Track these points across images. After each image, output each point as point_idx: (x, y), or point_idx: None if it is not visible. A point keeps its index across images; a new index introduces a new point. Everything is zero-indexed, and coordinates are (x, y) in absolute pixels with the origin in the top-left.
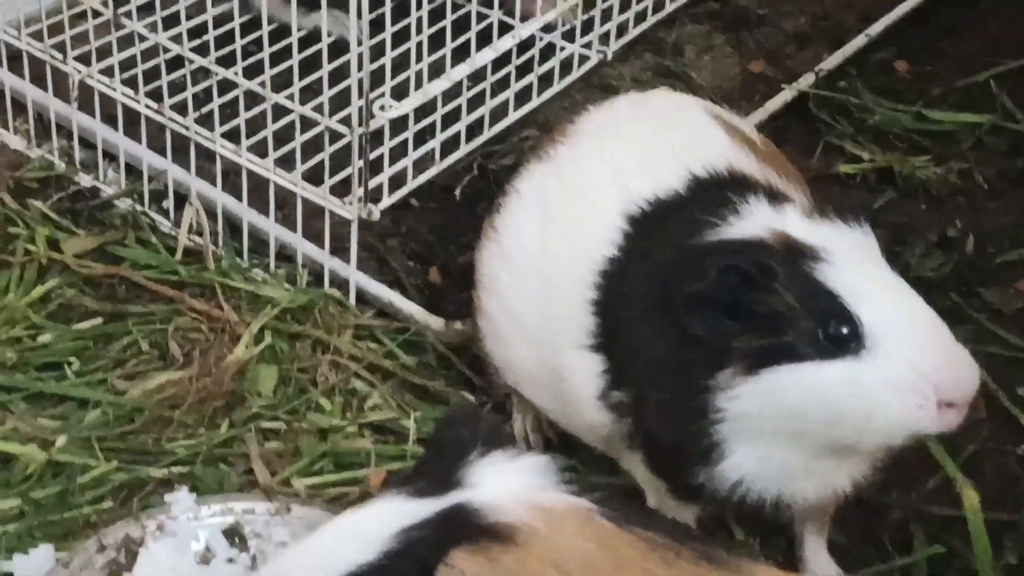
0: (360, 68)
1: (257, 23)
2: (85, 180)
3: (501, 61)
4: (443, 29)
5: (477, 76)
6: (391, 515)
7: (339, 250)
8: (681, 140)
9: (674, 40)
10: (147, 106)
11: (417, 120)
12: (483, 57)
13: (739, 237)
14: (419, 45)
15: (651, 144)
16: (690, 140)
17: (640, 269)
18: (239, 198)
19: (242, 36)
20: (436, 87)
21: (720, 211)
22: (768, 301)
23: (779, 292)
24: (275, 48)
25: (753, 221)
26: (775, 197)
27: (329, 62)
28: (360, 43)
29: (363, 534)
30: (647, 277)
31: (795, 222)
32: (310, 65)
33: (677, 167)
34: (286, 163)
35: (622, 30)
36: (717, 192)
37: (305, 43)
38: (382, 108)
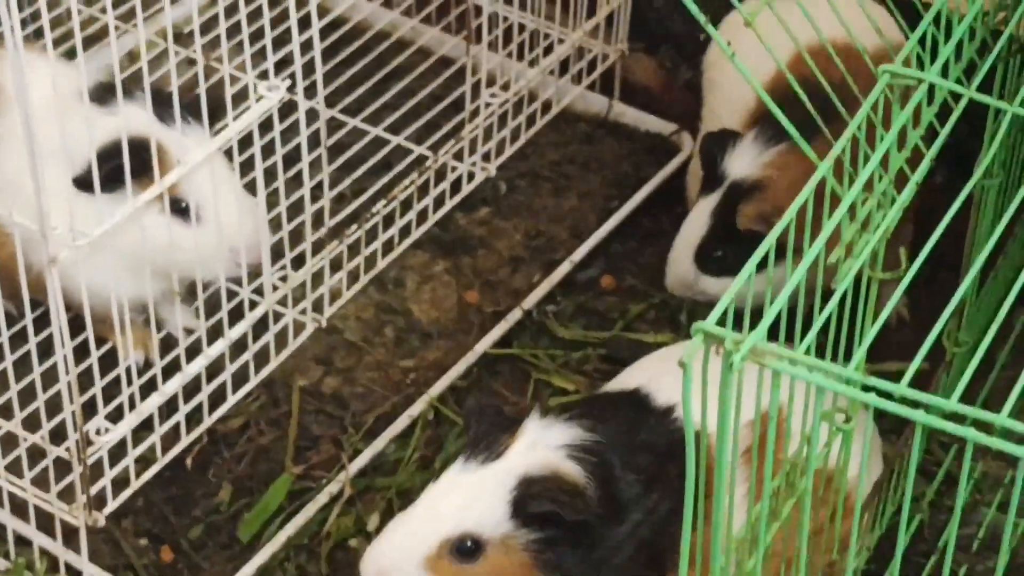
0: (72, 401)
1: None
2: None
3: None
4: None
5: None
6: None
7: (75, 533)
8: None
9: (395, 274)
10: None
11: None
12: (193, 368)
13: None
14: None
15: None
16: None
17: None
18: None
19: None
20: (151, 404)
21: None
22: None
23: None
24: None
25: None
26: None
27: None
28: (68, 372)
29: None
30: None
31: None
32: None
33: None
34: (17, 466)
35: (336, 294)
36: None
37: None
38: (98, 432)
